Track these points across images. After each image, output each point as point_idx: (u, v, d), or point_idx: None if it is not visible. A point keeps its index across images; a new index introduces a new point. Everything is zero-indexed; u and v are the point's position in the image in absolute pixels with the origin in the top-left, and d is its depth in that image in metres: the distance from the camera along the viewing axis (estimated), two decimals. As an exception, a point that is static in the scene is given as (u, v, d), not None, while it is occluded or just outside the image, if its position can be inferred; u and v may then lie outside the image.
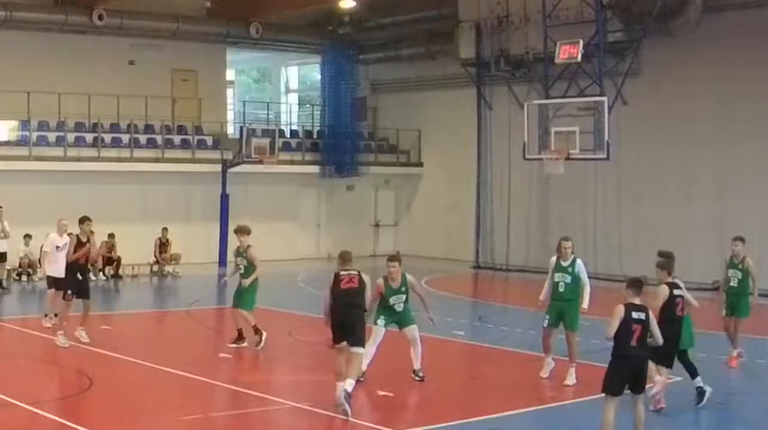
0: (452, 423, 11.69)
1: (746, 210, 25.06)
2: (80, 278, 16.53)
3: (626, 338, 10.15)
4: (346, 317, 12.03)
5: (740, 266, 15.06)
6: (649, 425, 11.42)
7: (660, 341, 10.43)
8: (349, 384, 11.79)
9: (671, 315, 11.73)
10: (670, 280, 12.06)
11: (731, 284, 15.09)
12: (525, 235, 29.67)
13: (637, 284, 10.40)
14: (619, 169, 26.53)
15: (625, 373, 10.22)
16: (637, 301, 10.33)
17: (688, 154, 26.39)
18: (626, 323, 10.15)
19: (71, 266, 16.39)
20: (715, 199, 25.93)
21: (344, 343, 11.99)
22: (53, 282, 17.48)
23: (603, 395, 10.38)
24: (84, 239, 16.71)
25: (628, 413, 10.56)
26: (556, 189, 29.07)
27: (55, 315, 17.28)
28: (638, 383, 10.34)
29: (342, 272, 12.29)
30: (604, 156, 23.35)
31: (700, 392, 12.61)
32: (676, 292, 11.67)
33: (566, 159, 23.83)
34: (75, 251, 16.42)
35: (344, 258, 12.53)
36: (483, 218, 31.24)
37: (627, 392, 10.42)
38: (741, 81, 25.09)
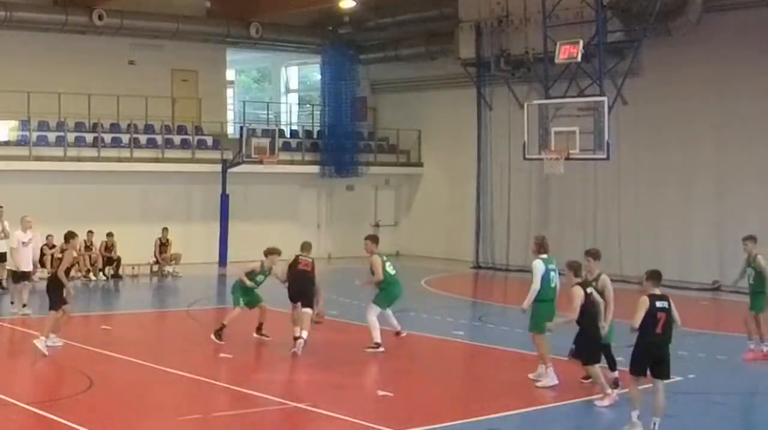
0: (452, 423, 11.69)
1: (746, 210, 25.06)
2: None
3: (652, 327, 10.85)
4: (301, 287, 15.99)
5: (753, 264, 15.49)
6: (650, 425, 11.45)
7: (679, 324, 11.13)
8: (299, 331, 15.79)
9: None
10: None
11: (749, 281, 15.58)
12: (525, 235, 29.58)
13: (656, 276, 11.09)
14: (619, 169, 26.52)
15: (649, 358, 11.00)
16: (657, 291, 11.04)
17: (688, 154, 26.38)
18: (651, 312, 10.84)
19: (57, 279, 15.87)
20: (715, 199, 25.92)
21: (299, 303, 15.93)
22: (21, 276, 19.42)
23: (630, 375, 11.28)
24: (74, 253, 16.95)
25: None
26: (556, 189, 29.07)
27: (24, 305, 19.20)
28: (662, 368, 11.09)
29: (301, 257, 16.32)
30: (604, 156, 23.34)
31: (616, 382, 13.00)
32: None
33: (566, 159, 23.82)
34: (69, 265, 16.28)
35: (305, 247, 16.55)
36: (483, 218, 31.23)
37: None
38: (741, 81, 25.09)
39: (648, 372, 11.16)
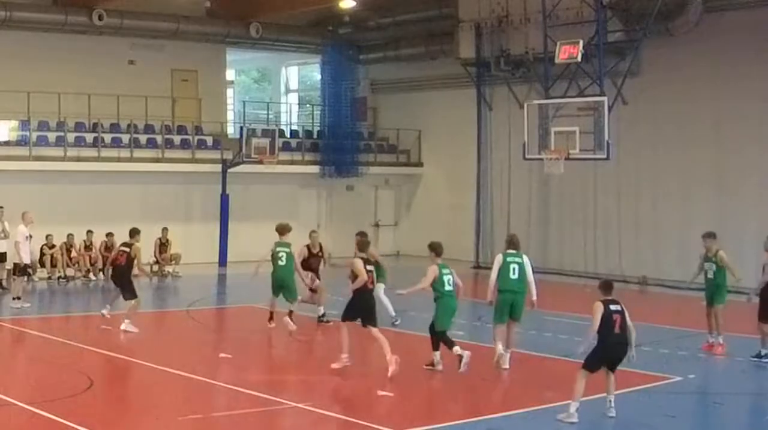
0: (452, 423, 11.69)
1: (746, 210, 25.07)
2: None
3: (610, 328, 11.75)
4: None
5: (714, 260, 16.12)
6: (651, 425, 11.47)
7: (632, 328, 11.93)
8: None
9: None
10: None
11: (708, 276, 16.20)
12: (525, 235, 29.54)
13: (608, 285, 12.18)
14: (619, 169, 26.52)
15: (607, 356, 11.91)
16: (610, 297, 11.98)
17: (688, 154, 26.37)
18: (607, 315, 11.76)
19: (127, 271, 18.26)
20: (715, 199, 25.90)
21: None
22: (23, 269, 20.75)
23: (581, 368, 12.00)
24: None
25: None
26: (556, 189, 29.07)
27: (19, 298, 20.38)
28: (615, 364, 12.06)
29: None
30: (604, 156, 23.34)
31: (459, 357, 14.14)
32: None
33: (566, 159, 23.82)
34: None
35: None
36: (483, 218, 31.23)
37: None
38: (741, 81, 25.08)
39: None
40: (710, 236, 16.39)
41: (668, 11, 24.91)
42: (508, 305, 14.64)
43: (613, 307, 11.87)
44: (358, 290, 14.45)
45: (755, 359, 15.48)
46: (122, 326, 17.48)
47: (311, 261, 19.05)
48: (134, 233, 18.40)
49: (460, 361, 14.13)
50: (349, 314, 14.51)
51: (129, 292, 17.94)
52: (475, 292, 28.03)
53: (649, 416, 12.16)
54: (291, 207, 31.69)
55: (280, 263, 17.66)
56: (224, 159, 29.67)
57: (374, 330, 14.44)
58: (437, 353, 14.62)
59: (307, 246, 19.22)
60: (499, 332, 14.91)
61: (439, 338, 14.55)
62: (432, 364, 14.67)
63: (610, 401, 12.00)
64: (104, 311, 18.37)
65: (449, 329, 14.70)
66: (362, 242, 15.38)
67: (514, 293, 14.63)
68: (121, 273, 18.17)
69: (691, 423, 12.41)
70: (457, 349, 14.24)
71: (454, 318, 14.79)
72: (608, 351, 11.86)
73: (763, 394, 13.59)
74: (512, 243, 14.98)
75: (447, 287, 14.64)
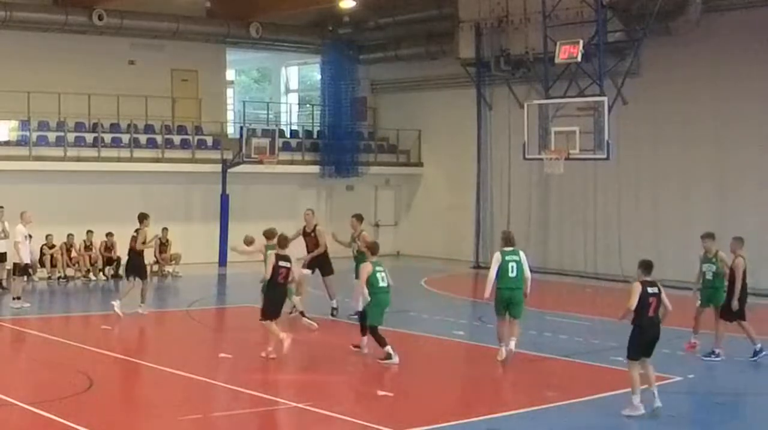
0: (452, 423, 11.69)
1: (746, 210, 25.07)
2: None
3: (644, 310, 11.95)
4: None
5: (713, 261, 16.06)
6: (651, 425, 11.46)
7: (670, 308, 12.15)
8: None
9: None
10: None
11: (707, 277, 16.10)
12: (525, 235, 29.58)
13: (648, 265, 12.23)
14: (619, 169, 26.51)
15: (644, 338, 12.07)
16: (649, 278, 12.10)
17: (688, 154, 26.37)
18: (644, 297, 11.94)
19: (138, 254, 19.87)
20: (715, 199, 25.90)
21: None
22: (23, 269, 20.88)
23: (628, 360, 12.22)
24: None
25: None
26: (556, 189, 29.06)
27: (19, 298, 20.47)
28: (651, 347, 12.19)
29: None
30: (604, 156, 23.34)
31: (388, 356, 14.87)
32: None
33: (566, 159, 23.82)
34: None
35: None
36: (483, 218, 31.23)
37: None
38: (741, 81, 25.08)
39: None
40: (709, 236, 16.33)
41: (668, 11, 24.90)
42: (506, 300, 15.01)
43: (651, 289, 12.06)
44: (269, 283, 15.31)
45: (754, 358, 15.49)
46: (139, 309, 19.23)
47: (306, 240, 19.60)
48: (141, 218, 19.79)
49: (385, 358, 14.94)
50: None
51: (142, 273, 19.69)
52: (474, 292, 28.12)
53: (649, 416, 12.14)
54: (291, 207, 31.63)
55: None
56: (224, 159, 29.67)
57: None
58: (364, 339, 15.56)
59: (304, 227, 19.84)
60: (499, 325, 15.29)
61: (371, 333, 15.27)
62: (358, 346, 15.69)
63: (653, 392, 12.07)
64: (115, 305, 18.97)
65: (381, 324, 15.30)
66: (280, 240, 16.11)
67: (511, 290, 14.96)
68: (132, 258, 19.70)
69: (692, 423, 12.41)
70: (388, 348, 14.97)
71: (386, 314, 15.50)
72: (644, 333, 12.07)
73: (763, 394, 13.58)
74: (508, 240, 15.26)
75: (381, 284, 15.24)
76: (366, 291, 15.19)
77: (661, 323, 12.18)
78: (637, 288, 12.04)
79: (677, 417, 12.26)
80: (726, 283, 15.92)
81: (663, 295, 12.16)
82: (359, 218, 20.04)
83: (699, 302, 16.26)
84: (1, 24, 27.05)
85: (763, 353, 15.57)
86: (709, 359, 15.56)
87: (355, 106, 33.52)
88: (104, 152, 27.77)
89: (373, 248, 15.82)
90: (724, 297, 15.92)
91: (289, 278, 15.55)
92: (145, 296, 19.81)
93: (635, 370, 12.12)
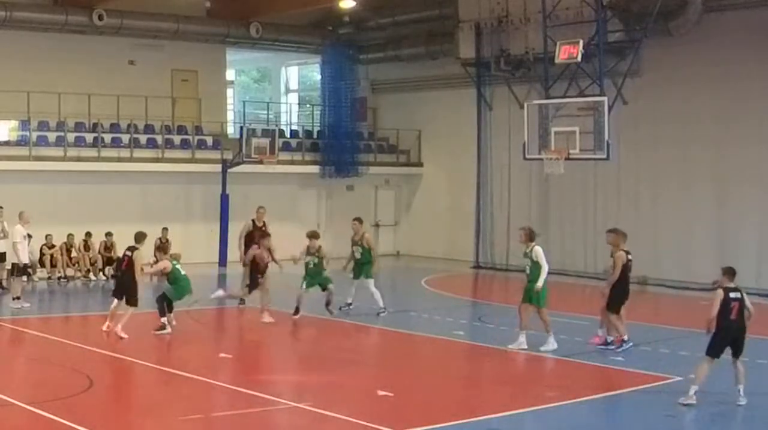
0: (452, 423, 11.69)
1: (746, 210, 25.10)
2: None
3: (726, 314, 12.70)
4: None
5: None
6: (651, 425, 11.45)
7: (753, 311, 12.94)
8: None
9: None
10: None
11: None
12: (525, 235, 29.64)
13: (731, 271, 13.04)
14: (619, 169, 26.52)
15: (725, 341, 12.83)
16: (732, 284, 12.91)
17: (688, 154, 26.36)
18: (726, 302, 12.73)
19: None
20: (714, 199, 25.91)
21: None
22: (23, 269, 20.87)
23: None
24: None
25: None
26: (556, 189, 29.05)
27: (18, 298, 20.35)
28: (737, 349, 12.97)
29: None
30: (604, 156, 23.31)
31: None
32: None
33: (566, 159, 23.79)
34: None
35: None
36: (483, 218, 31.22)
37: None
38: (741, 81, 25.07)
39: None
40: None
41: (668, 11, 24.90)
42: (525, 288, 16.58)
43: (732, 295, 12.78)
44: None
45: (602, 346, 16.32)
46: (117, 330, 16.94)
47: (255, 234, 20.86)
48: (139, 238, 17.92)
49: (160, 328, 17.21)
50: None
51: (131, 297, 17.22)
52: (475, 292, 28.14)
53: (649, 416, 12.15)
54: (291, 207, 31.71)
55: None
56: (224, 159, 29.66)
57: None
58: (164, 319, 17.40)
59: (253, 220, 21.35)
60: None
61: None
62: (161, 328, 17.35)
63: (739, 389, 12.79)
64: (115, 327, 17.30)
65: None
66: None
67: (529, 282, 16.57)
68: (125, 278, 17.46)
69: (692, 423, 12.40)
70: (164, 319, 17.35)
71: None
72: (726, 336, 12.75)
73: (764, 394, 13.56)
74: (534, 234, 16.95)
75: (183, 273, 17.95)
76: None
77: (747, 325, 12.88)
78: (719, 295, 12.81)
79: (677, 417, 12.25)
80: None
81: (746, 299, 12.86)
82: (360, 220, 20.72)
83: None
84: (1, 24, 27.05)
85: (612, 347, 16.15)
86: (604, 347, 16.25)
87: (355, 106, 33.52)
88: (104, 152, 27.76)
89: (165, 248, 19.00)
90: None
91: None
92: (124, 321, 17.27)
93: (705, 365, 12.80)
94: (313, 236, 19.61)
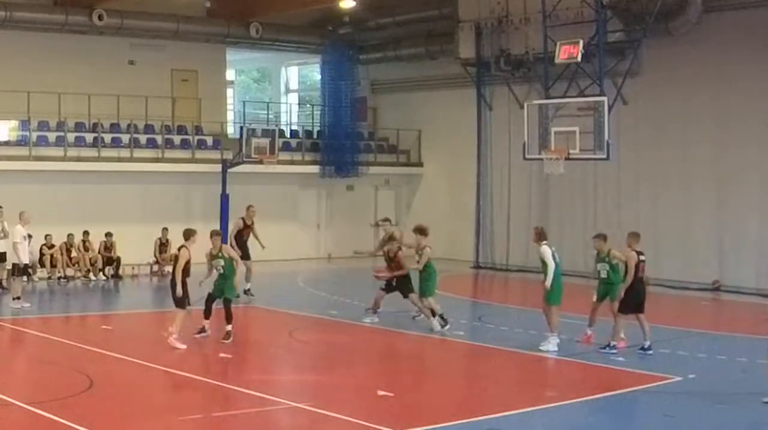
0: (452, 423, 11.69)
1: (746, 210, 25.08)
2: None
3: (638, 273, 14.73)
4: None
5: (607, 259, 16.62)
6: (651, 425, 11.44)
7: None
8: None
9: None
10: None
11: (602, 275, 16.74)
12: (525, 235, 29.51)
13: (635, 235, 15.53)
14: (619, 169, 26.52)
15: (638, 298, 15.19)
16: (638, 247, 15.16)
17: (688, 154, 26.36)
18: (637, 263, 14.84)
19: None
20: (714, 199, 25.90)
21: None
22: (23, 269, 20.92)
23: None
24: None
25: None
26: (556, 189, 29.05)
27: (18, 298, 20.37)
28: (643, 305, 15.35)
29: None
30: (604, 156, 23.30)
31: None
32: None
33: (566, 159, 23.78)
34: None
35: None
36: (483, 218, 31.22)
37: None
38: (741, 81, 25.08)
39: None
40: (599, 237, 16.98)
41: (668, 11, 24.90)
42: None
43: (642, 257, 14.46)
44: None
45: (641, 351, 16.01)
46: (170, 339, 15.98)
47: (244, 232, 21.30)
48: (187, 234, 17.22)
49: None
50: None
51: (175, 300, 16.41)
52: (474, 292, 28.14)
53: (649, 416, 12.15)
54: (291, 207, 31.75)
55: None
56: (224, 159, 29.66)
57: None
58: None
59: (242, 218, 21.59)
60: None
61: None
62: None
63: (648, 343, 14.37)
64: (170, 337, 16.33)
65: None
66: None
67: (560, 277, 16.89)
68: (172, 278, 16.69)
69: (691, 423, 12.40)
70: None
71: None
72: (638, 293, 14.27)
73: (764, 394, 13.55)
74: (545, 234, 17.34)
75: None
76: None
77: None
78: (634, 256, 14.22)
79: (677, 417, 12.25)
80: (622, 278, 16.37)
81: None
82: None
83: (595, 297, 16.83)
84: (1, 24, 27.06)
85: (650, 352, 15.86)
86: (605, 351, 15.97)
87: (355, 106, 33.52)
88: (104, 152, 27.77)
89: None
90: (618, 292, 16.25)
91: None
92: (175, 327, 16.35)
93: (622, 319, 14.71)
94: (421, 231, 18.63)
